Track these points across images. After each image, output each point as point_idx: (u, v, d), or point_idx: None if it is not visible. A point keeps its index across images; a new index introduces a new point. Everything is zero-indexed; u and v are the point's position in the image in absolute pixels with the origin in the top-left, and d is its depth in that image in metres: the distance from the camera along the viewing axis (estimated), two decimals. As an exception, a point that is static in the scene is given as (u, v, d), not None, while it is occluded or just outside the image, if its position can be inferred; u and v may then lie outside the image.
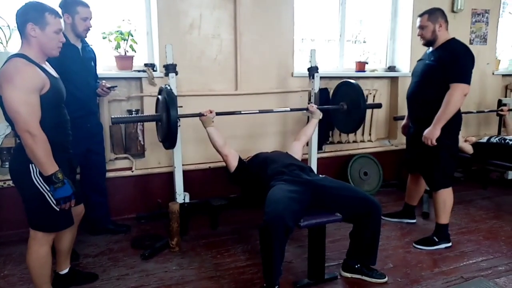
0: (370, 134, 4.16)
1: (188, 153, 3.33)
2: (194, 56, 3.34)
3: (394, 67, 4.30)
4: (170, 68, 2.73)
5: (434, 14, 2.67)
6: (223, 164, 2.81)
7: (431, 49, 2.76)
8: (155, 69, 3.29)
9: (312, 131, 3.04)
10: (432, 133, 2.61)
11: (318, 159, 3.47)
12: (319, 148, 3.65)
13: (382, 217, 2.84)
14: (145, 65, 3.24)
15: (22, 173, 1.82)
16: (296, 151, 2.83)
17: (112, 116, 2.57)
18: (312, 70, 3.31)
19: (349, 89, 3.17)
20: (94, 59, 2.77)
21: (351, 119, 3.18)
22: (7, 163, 2.88)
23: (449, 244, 2.79)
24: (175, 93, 2.63)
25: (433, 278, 2.41)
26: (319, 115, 3.03)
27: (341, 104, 3.19)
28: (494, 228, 3.12)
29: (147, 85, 3.23)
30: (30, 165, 1.79)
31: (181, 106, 2.67)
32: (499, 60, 4.79)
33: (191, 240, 2.90)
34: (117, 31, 3.12)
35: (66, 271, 2.25)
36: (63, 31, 1.90)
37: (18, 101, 1.69)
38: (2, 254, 2.68)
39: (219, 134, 2.69)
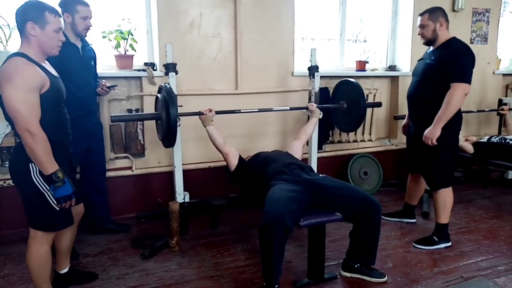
0: (370, 134, 4.15)
1: (188, 153, 3.33)
2: (194, 55, 3.34)
3: (395, 66, 4.30)
4: (170, 67, 2.73)
5: (434, 13, 2.66)
6: (223, 163, 2.80)
7: (431, 48, 2.75)
8: (155, 68, 3.29)
9: (312, 130, 3.04)
10: (432, 132, 2.61)
11: (318, 158, 3.47)
12: (319, 147, 3.65)
13: (382, 217, 2.85)
14: (145, 64, 3.23)
15: (22, 172, 1.82)
16: (296, 150, 2.82)
17: (112, 115, 2.57)
18: (313, 69, 3.31)
19: (348, 88, 3.17)
20: (94, 58, 2.77)
21: (351, 118, 3.18)
22: (7, 162, 2.88)
23: (449, 244, 2.79)
24: (175, 92, 2.62)
25: (433, 278, 2.40)
26: (318, 114, 3.03)
27: (341, 103, 3.19)
28: (494, 228, 3.12)
29: (147, 84, 3.23)
30: (30, 164, 1.79)
31: (181, 106, 2.67)
32: (500, 60, 4.79)
33: (191, 239, 2.90)
34: (117, 30, 3.12)
35: (66, 270, 2.25)
36: (63, 30, 1.90)
37: (18, 100, 1.69)
38: (2, 254, 2.68)
39: (219, 132, 2.70)
